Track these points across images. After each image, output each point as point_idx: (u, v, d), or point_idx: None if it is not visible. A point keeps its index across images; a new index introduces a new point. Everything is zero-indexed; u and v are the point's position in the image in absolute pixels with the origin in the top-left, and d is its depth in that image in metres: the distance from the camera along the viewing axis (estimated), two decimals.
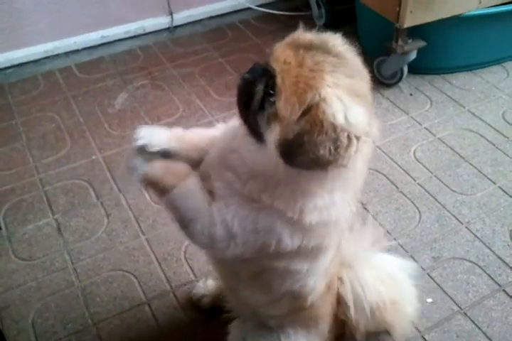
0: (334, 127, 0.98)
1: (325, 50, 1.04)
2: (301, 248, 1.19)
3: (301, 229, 1.16)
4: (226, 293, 1.69)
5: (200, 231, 1.20)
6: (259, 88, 1.05)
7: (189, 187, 1.21)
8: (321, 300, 1.48)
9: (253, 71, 1.09)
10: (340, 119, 0.97)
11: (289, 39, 1.09)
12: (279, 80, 1.01)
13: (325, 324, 1.60)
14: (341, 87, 1.00)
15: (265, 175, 1.14)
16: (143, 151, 1.30)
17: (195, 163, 1.32)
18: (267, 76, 1.04)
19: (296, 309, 1.45)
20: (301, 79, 1.00)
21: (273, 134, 1.03)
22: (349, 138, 0.99)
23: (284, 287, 1.33)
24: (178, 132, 1.36)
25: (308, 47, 1.04)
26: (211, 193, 1.21)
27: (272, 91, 1.02)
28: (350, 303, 1.57)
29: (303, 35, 1.09)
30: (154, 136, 1.31)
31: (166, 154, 1.31)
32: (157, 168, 1.23)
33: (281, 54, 1.04)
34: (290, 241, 1.17)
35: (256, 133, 1.08)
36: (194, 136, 1.38)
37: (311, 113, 0.98)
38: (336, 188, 1.14)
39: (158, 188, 1.22)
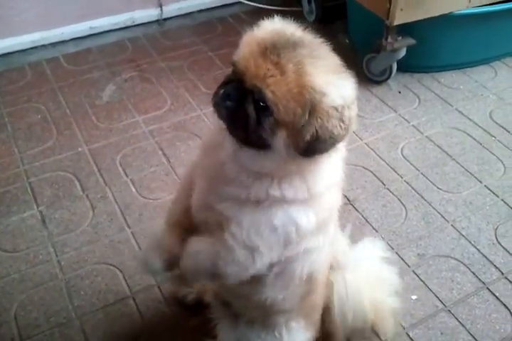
0: (336, 108, 1.02)
1: (289, 42, 1.03)
2: (317, 223, 1.21)
3: (313, 204, 1.19)
4: (227, 300, 1.61)
5: (228, 265, 1.24)
6: (250, 109, 1.05)
7: (192, 248, 1.32)
8: (322, 283, 1.51)
9: (229, 95, 1.09)
10: (338, 100, 1.02)
11: (248, 46, 1.06)
12: (269, 95, 1.01)
13: (318, 313, 1.61)
14: (324, 71, 1.03)
15: (271, 173, 1.15)
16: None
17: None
18: (251, 94, 1.04)
19: (307, 293, 1.45)
20: (292, 85, 1.00)
21: (281, 139, 1.06)
22: (349, 108, 1.05)
23: (306, 270, 1.33)
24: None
25: (274, 48, 1.02)
26: (219, 225, 1.23)
27: (263, 104, 1.03)
28: (335, 304, 1.60)
29: (256, 36, 1.08)
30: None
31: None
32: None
33: (256, 68, 1.02)
34: (307, 222, 1.19)
35: (258, 144, 1.08)
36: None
37: (316, 109, 1.01)
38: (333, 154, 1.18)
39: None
